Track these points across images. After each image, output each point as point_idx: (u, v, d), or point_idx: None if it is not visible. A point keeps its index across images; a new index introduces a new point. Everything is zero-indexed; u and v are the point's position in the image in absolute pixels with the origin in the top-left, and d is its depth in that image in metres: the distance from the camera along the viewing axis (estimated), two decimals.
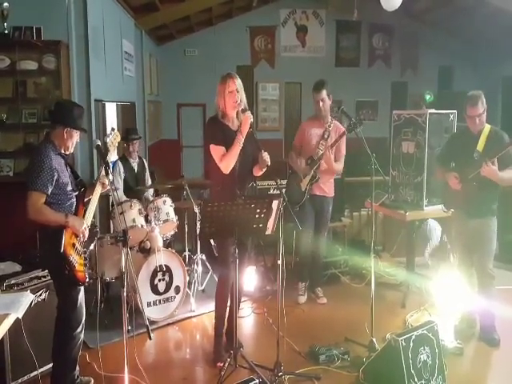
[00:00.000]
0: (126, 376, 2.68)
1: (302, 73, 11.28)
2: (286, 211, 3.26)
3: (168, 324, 4.30)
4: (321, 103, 4.41)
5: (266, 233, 3.35)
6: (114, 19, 6.75)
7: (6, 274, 3.28)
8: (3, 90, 4.85)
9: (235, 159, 3.44)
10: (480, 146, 3.69)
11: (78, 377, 3.16)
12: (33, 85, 4.92)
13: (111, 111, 7.00)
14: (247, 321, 4.41)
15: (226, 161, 3.43)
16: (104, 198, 5.08)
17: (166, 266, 4.30)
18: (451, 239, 4.71)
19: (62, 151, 3.00)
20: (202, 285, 4.93)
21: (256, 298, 4.80)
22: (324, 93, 4.39)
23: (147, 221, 4.47)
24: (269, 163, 3.40)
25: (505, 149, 3.54)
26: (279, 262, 3.32)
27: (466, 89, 4.67)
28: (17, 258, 3.68)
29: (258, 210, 3.17)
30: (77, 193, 3.05)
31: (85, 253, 3.01)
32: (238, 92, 3.45)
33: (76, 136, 3.04)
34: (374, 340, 3.60)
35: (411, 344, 3.06)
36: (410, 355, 3.03)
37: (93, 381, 3.32)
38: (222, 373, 3.23)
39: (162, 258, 4.27)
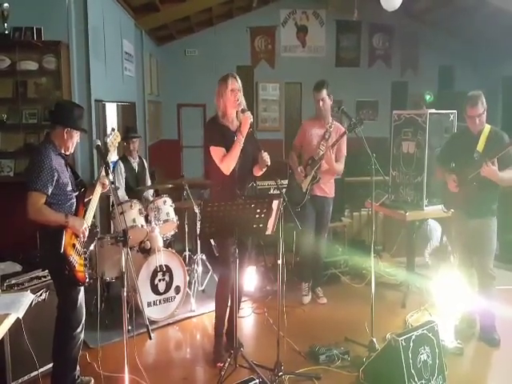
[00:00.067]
0: (126, 376, 2.68)
1: (302, 73, 11.29)
2: (286, 211, 3.26)
3: (168, 324, 4.30)
4: (321, 102, 4.41)
5: (266, 233, 3.35)
6: (114, 19, 6.75)
7: (6, 273, 3.29)
8: (3, 90, 4.86)
9: (236, 160, 3.44)
10: (480, 146, 3.69)
11: (78, 377, 3.16)
12: (33, 85, 4.94)
13: (111, 111, 7.00)
14: (247, 321, 4.41)
15: (227, 162, 3.43)
16: (104, 198, 5.08)
17: (166, 266, 4.30)
18: (451, 239, 4.71)
19: (62, 151, 3.00)
20: (202, 285, 4.93)
21: (256, 298, 4.80)
22: (324, 92, 4.39)
23: (147, 221, 4.47)
24: (269, 163, 3.40)
25: (505, 149, 3.53)
26: (279, 261, 3.32)
27: (466, 89, 4.68)
28: (17, 258, 3.69)
29: (258, 210, 3.17)
30: (77, 193, 3.05)
31: (85, 253, 3.01)
32: (239, 91, 3.46)
33: (76, 136, 3.04)
34: (374, 340, 3.60)
35: (411, 344, 3.05)
36: (410, 355, 3.03)
37: (93, 380, 3.32)
38: (222, 373, 3.23)
39: (162, 258, 4.27)
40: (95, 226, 3.21)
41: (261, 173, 3.59)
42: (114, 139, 3.23)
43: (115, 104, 7.15)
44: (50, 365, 3.13)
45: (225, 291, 3.59)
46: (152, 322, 4.10)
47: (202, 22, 10.64)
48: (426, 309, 4.44)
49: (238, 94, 3.45)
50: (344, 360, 3.58)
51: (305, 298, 4.73)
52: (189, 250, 4.97)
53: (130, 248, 3.24)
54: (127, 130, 5.33)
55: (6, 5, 4.66)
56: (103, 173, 3.00)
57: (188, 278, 4.52)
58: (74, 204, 3.02)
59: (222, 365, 3.36)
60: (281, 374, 3.29)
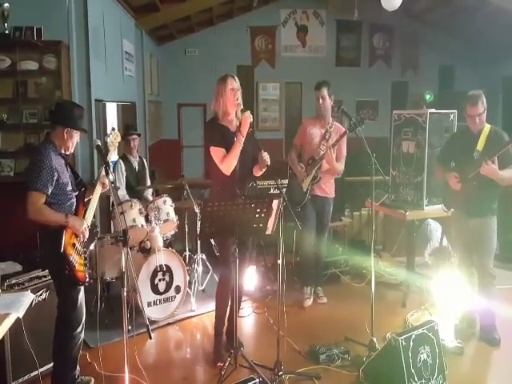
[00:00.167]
0: (127, 376, 2.68)
1: (302, 73, 11.29)
2: (287, 211, 3.27)
3: (168, 324, 4.30)
4: (321, 100, 4.42)
5: (266, 232, 3.35)
6: (115, 19, 6.75)
7: (6, 273, 3.29)
8: (4, 90, 4.86)
9: (236, 160, 3.44)
10: (480, 145, 3.69)
11: (78, 376, 3.16)
12: (33, 85, 4.93)
13: (112, 111, 7.00)
14: (247, 320, 4.41)
15: (227, 162, 3.43)
16: (104, 198, 5.09)
17: (166, 265, 4.30)
18: (451, 239, 4.71)
19: (63, 151, 3.01)
20: (202, 284, 4.94)
21: (256, 298, 4.80)
22: (324, 90, 4.40)
23: (147, 221, 4.47)
24: (268, 163, 3.40)
25: (505, 147, 3.54)
26: (279, 261, 3.32)
27: (466, 89, 4.68)
28: (17, 258, 3.70)
29: (258, 210, 3.17)
30: (77, 193, 3.06)
31: (85, 253, 3.01)
32: (238, 90, 3.46)
33: (76, 136, 3.04)
34: (375, 339, 3.61)
35: (411, 343, 3.05)
36: (410, 354, 3.03)
37: (93, 380, 3.32)
38: (223, 372, 3.23)
39: (162, 257, 4.27)
40: (95, 225, 3.21)
41: (261, 173, 3.59)
42: (114, 139, 3.23)
43: (115, 104, 7.15)
44: (51, 364, 3.13)
45: (225, 291, 3.59)
46: (152, 322, 4.11)
47: (203, 22, 10.64)
48: (426, 308, 4.44)
49: (237, 94, 3.45)
50: (344, 359, 3.58)
51: (307, 301, 4.70)
52: (189, 250, 4.97)
53: (130, 248, 3.24)
54: (127, 128, 5.33)
55: (6, 5, 4.66)
56: (103, 172, 3.00)
57: (188, 278, 4.52)
58: (74, 204, 3.02)
59: (222, 364, 3.36)
60: (281, 373, 3.29)
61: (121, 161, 5.11)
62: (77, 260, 2.90)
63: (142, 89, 8.83)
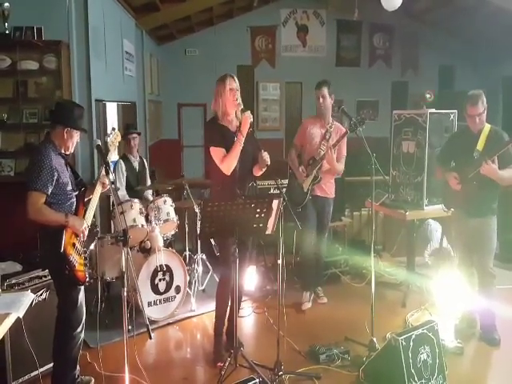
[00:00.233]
0: (127, 376, 2.68)
1: (302, 72, 11.29)
2: (287, 211, 3.26)
3: (168, 324, 4.30)
4: (321, 99, 4.42)
5: (266, 232, 3.35)
6: (115, 19, 6.75)
7: (6, 273, 3.29)
8: (4, 89, 4.86)
9: (236, 160, 3.44)
10: (480, 145, 3.69)
11: (78, 376, 3.16)
12: (33, 85, 4.93)
13: (112, 111, 7.01)
14: (247, 320, 4.41)
15: (228, 162, 3.43)
16: (104, 197, 5.09)
17: (166, 265, 4.30)
18: (451, 239, 4.71)
19: (63, 151, 3.01)
20: (202, 284, 4.94)
21: (256, 298, 4.80)
22: (325, 89, 4.40)
23: (148, 220, 4.47)
24: (269, 163, 3.40)
25: (505, 147, 3.54)
26: (279, 261, 3.32)
27: (466, 89, 4.67)
28: (17, 258, 3.70)
29: (258, 210, 3.16)
30: (77, 193, 3.06)
31: (85, 252, 3.01)
32: (237, 90, 3.46)
33: (76, 136, 3.04)
34: (375, 339, 3.60)
35: (411, 343, 3.05)
36: (410, 355, 3.03)
37: (93, 380, 3.32)
38: (223, 372, 3.23)
39: (162, 257, 4.27)
40: (95, 225, 3.21)
41: (261, 172, 3.59)
42: (114, 139, 3.23)
43: (116, 104, 7.15)
44: (51, 364, 3.13)
45: (225, 291, 3.59)
46: (152, 322, 4.11)
47: (203, 22, 10.63)
48: (426, 308, 4.44)
49: (236, 94, 3.45)
50: (344, 359, 3.58)
51: (305, 304, 4.64)
52: (189, 250, 4.97)
53: (131, 248, 3.25)
54: (127, 127, 5.32)
55: (6, 4, 4.66)
56: (103, 172, 3.00)
57: (188, 278, 4.52)
58: (74, 204, 3.02)
59: (222, 364, 3.36)
60: (281, 373, 3.29)
61: (121, 160, 5.11)
62: (77, 260, 2.90)
63: (142, 89, 8.83)
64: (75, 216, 2.96)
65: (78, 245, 2.94)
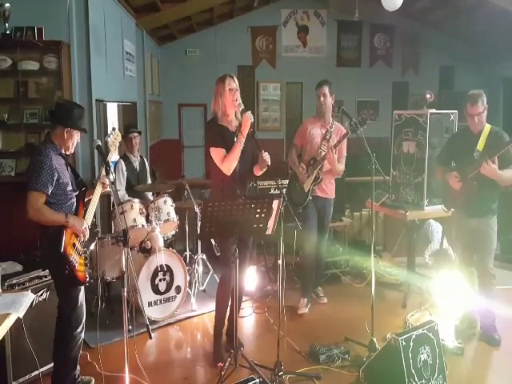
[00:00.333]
0: (127, 376, 2.69)
1: (303, 73, 11.30)
2: (287, 211, 3.26)
3: (169, 324, 4.30)
4: (322, 98, 4.41)
5: (267, 233, 3.34)
6: (115, 19, 6.76)
7: (7, 273, 3.30)
8: (4, 90, 4.86)
9: (237, 160, 3.44)
10: (480, 145, 3.69)
11: (78, 376, 3.16)
12: (34, 85, 4.93)
13: (112, 111, 7.01)
14: (248, 320, 4.41)
15: (228, 162, 3.43)
16: (105, 197, 5.09)
17: (166, 265, 4.30)
18: (451, 239, 4.71)
19: (63, 151, 3.01)
20: (202, 284, 4.94)
21: (257, 298, 4.80)
22: (325, 88, 4.39)
23: (148, 221, 4.47)
24: (269, 163, 3.40)
25: (505, 147, 3.54)
26: (279, 262, 3.32)
27: (467, 89, 4.66)
28: (18, 258, 3.70)
29: (259, 210, 3.16)
30: (77, 193, 3.06)
31: (85, 253, 3.02)
32: (237, 90, 3.46)
33: (76, 136, 3.04)
34: (375, 340, 3.60)
35: (411, 344, 3.06)
36: (410, 355, 3.03)
37: (93, 380, 3.33)
38: (223, 372, 3.23)
39: (162, 257, 4.27)
40: (95, 225, 3.21)
41: (261, 173, 3.59)
42: (114, 139, 3.23)
43: (116, 104, 7.16)
44: (51, 364, 3.13)
45: (226, 291, 3.59)
46: (152, 322, 4.11)
47: (203, 22, 10.64)
48: (426, 308, 4.44)
49: (236, 94, 3.45)
50: (344, 360, 3.58)
51: (302, 309, 4.48)
52: (189, 250, 4.98)
53: (131, 248, 3.25)
54: (128, 126, 5.32)
55: (7, 5, 4.66)
56: (103, 172, 3.01)
57: (188, 278, 4.52)
58: (74, 204, 3.02)
59: (222, 364, 3.36)
60: (281, 373, 3.29)
61: (121, 160, 5.11)
62: (77, 260, 2.90)
63: (142, 89, 8.83)
64: (75, 216, 2.96)
65: (78, 245, 2.94)
